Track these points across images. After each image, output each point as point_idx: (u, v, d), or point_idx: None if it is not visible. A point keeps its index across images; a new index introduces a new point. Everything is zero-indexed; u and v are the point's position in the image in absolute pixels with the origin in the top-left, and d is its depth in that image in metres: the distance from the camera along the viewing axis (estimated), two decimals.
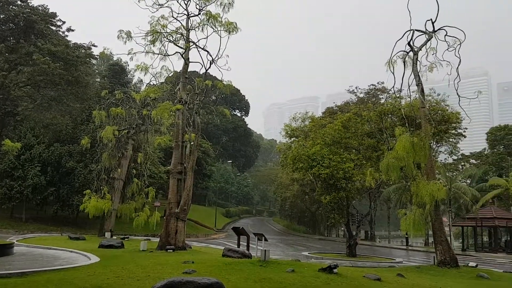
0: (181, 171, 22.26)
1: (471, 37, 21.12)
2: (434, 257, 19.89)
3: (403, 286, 11.47)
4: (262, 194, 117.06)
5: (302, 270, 12.49)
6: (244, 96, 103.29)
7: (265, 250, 13.74)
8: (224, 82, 24.36)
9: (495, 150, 59.03)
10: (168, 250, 19.19)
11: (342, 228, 50.73)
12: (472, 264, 19.78)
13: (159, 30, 23.17)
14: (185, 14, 23.89)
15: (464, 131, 51.19)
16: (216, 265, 12.65)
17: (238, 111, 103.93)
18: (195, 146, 22.69)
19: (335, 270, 12.13)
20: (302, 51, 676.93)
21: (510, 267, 25.78)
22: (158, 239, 22.99)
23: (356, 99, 63.87)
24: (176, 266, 12.70)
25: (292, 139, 37.64)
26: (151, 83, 25.45)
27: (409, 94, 23.25)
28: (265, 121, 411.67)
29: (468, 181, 56.27)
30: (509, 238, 45.43)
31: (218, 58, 22.28)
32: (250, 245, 21.50)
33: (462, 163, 62.70)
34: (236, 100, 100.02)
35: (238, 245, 21.43)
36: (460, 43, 20.51)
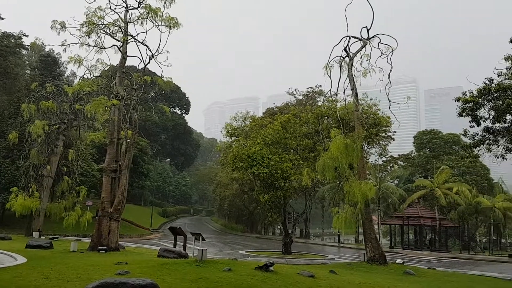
0: (116, 169, 21.51)
1: (402, 45, 22.42)
2: (364, 254, 20.81)
3: (335, 282, 11.93)
4: (201, 193, 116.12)
5: (239, 269, 12.55)
6: (184, 93, 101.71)
7: (202, 249, 13.65)
8: (164, 79, 23.86)
9: (422, 152, 63.10)
10: (100, 251, 18.50)
11: (279, 227, 51.80)
12: (399, 261, 20.96)
13: (95, 22, 22.20)
14: (123, 6, 23.11)
15: (394, 134, 54.33)
16: (151, 266, 12.37)
17: (178, 108, 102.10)
18: (131, 144, 22.02)
19: (271, 268, 12.33)
20: (246, 51, 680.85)
21: (434, 264, 27.65)
22: (89, 240, 22.10)
23: (295, 101, 65.36)
24: (108, 267, 12.25)
25: (232, 138, 37.78)
26: (85, 76, 24.33)
27: (344, 97, 24.24)
28: (206, 120, 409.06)
29: (396, 182, 59.68)
30: (433, 236, 48.73)
31: (158, 54, 21.82)
32: (187, 245, 21.26)
33: (391, 165, 66.33)
34: (176, 98, 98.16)
35: (175, 245, 21.09)
36: (392, 51, 21.68)
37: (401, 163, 66.88)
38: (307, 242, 53.04)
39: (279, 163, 29.16)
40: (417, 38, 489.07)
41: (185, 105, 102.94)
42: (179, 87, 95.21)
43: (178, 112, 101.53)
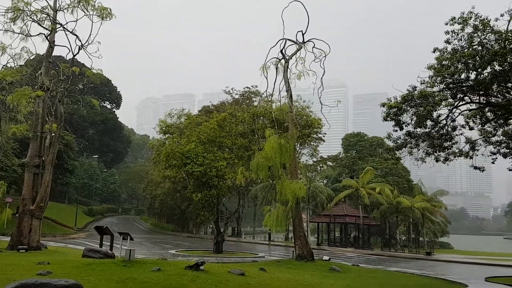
0: (39, 164, 20.15)
1: (334, 51, 23.32)
2: (293, 251, 21.37)
3: (264, 279, 12.11)
4: (130, 191, 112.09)
5: (168, 269, 12.29)
6: (115, 87, 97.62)
7: (130, 249, 13.18)
8: (94, 70, 22.73)
9: (349, 154, 66.09)
10: (21, 250, 17.30)
11: (211, 226, 51.57)
12: (326, 258, 21.79)
13: (21, 8, 20.60)
14: None
15: (324, 136, 56.40)
16: (75, 266, 11.73)
17: (108, 102, 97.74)
18: (56, 138, 20.75)
19: (201, 267, 12.23)
20: (183, 46, 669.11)
21: (357, 260, 29.08)
22: (9, 238, 20.58)
23: (232, 100, 65.48)
24: (29, 267, 11.44)
25: (166, 135, 36.95)
26: (9, 65, 22.48)
27: (279, 98, 24.73)
28: (138, 116, 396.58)
29: (325, 181, 61.94)
30: (357, 234, 51.23)
31: (88, 44, 20.69)
32: (114, 244, 20.44)
33: (321, 165, 68.73)
34: (106, 91, 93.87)
35: (101, 245, 20.18)
36: (325, 56, 22.45)
37: (330, 163, 69.53)
38: (239, 241, 53.37)
39: (213, 161, 29.04)
40: (348, 45, 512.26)
41: (116, 99, 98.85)
42: (110, 80, 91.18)
43: (108, 106, 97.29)
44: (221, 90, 71.84)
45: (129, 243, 16.40)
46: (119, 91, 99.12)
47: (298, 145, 45.41)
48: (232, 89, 68.15)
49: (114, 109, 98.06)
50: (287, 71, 23.07)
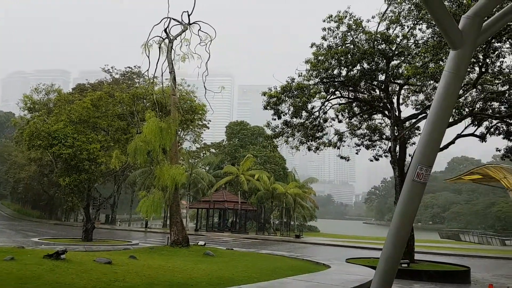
0: None
1: (221, 40, 23.15)
2: (168, 237, 20.94)
3: (133, 267, 11.51)
4: None
5: (24, 258, 11.00)
6: None
7: None
8: None
9: (231, 142, 67.31)
10: None
11: (82, 213, 48.17)
12: (201, 243, 21.74)
13: None
14: None
15: (208, 123, 56.48)
16: None
17: None
18: None
19: (62, 256, 11.14)
20: (58, 18, 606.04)
21: (232, 244, 29.73)
22: None
23: (111, 79, 61.50)
24: None
25: (32, 113, 33.16)
26: None
27: (162, 80, 23.73)
28: (4, 91, 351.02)
29: (207, 168, 62.28)
30: (234, 219, 52.62)
31: None
32: None
33: (204, 152, 68.92)
34: None
35: None
36: (211, 40, 22.12)
37: (213, 150, 70.09)
38: (113, 228, 50.87)
39: (85, 143, 26.84)
40: (237, 36, 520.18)
41: None
42: None
43: None
44: (99, 69, 66.88)
45: None
46: None
47: (181, 131, 44.58)
48: (112, 67, 64.10)
49: None
50: (171, 52, 22.20)
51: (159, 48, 22.39)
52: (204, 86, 22.32)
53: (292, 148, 19.27)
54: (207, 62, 22.32)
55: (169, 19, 22.11)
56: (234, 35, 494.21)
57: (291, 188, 52.59)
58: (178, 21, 22.27)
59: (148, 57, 21.56)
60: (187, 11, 22.04)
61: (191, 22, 22.19)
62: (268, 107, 18.23)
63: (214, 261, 15.28)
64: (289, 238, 42.78)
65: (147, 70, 22.47)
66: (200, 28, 22.15)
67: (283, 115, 18.29)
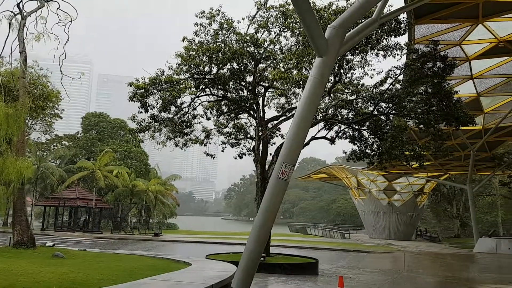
0: None
1: (82, 25, 21.33)
2: (10, 238, 18.63)
3: None
4: None
5: None
6: None
7: None
8: None
9: (88, 134, 62.62)
10: None
11: None
12: (49, 243, 19.78)
13: None
14: None
15: (62, 113, 51.48)
16: None
17: None
18: None
19: None
20: None
21: (85, 244, 27.67)
22: None
23: None
24: None
25: None
26: None
27: (11, 60, 20.87)
28: None
29: (58, 162, 56.88)
30: (87, 217, 49.08)
31: None
32: None
33: (55, 144, 62.71)
34: None
35: None
36: (71, 21, 20.23)
37: (66, 143, 64.24)
38: None
39: None
40: (98, 21, 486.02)
41: None
42: None
43: None
44: None
45: None
46: None
47: (30, 119, 39.77)
48: None
49: None
50: (23, 30, 19.67)
51: (9, 24, 19.67)
52: (61, 71, 20.26)
53: (159, 144, 18.79)
54: (65, 45, 20.34)
55: None
56: (95, 19, 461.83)
57: (152, 185, 51.32)
58: None
59: None
60: None
61: None
62: (134, 99, 17.43)
63: (64, 263, 14.00)
64: (148, 236, 41.70)
65: None
66: (59, 6, 20.10)
67: (151, 108, 17.71)
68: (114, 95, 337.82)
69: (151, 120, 18.04)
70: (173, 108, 17.96)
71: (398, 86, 18.39)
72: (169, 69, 17.83)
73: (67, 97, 25.79)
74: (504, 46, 19.85)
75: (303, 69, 17.20)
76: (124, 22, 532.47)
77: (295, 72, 17.28)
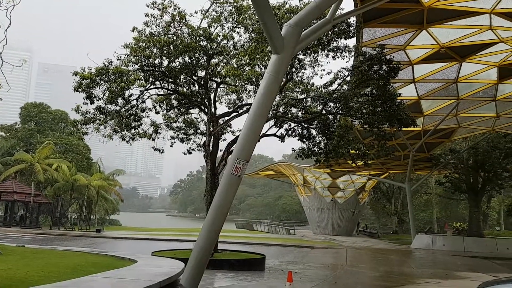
0: None
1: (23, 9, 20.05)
2: None
3: None
4: None
5: None
6: None
7: None
8: None
9: (27, 125, 59.19)
10: None
11: None
12: None
13: None
14: None
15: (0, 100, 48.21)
16: None
17: None
18: None
19: None
20: None
21: (22, 240, 26.16)
22: None
23: None
24: None
25: None
26: None
27: None
28: None
29: None
30: (25, 212, 46.45)
31: None
32: None
33: None
34: None
35: None
36: (14, 4, 18.94)
37: (3, 133, 60.29)
38: None
39: None
40: (38, 7, 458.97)
41: None
42: None
43: None
44: None
45: None
46: None
47: None
48: None
49: None
50: None
51: None
52: (1, 57, 18.99)
53: (104, 137, 18.06)
54: (6, 30, 19.04)
55: None
56: (37, 7, 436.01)
57: (95, 180, 49.48)
58: None
59: None
60: None
61: None
62: (79, 89, 16.63)
63: (1, 260, 13.14)
64: (89, 233, 40.16)
65: None
66: None
67: (97, 100, 16.98)
68: (55, 85, 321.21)
69: (96, 112, 17.30)
70: (120, 100, 17.32)
71: (345, 87, 18.98)
72: (118, 59, 17.22)
73: (8, 85, 24.17)
74: (445, 52, 21.06)
75: (256, 66, 17.25)
76: (69, 11, 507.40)
77: (248, 69, 17.28)
